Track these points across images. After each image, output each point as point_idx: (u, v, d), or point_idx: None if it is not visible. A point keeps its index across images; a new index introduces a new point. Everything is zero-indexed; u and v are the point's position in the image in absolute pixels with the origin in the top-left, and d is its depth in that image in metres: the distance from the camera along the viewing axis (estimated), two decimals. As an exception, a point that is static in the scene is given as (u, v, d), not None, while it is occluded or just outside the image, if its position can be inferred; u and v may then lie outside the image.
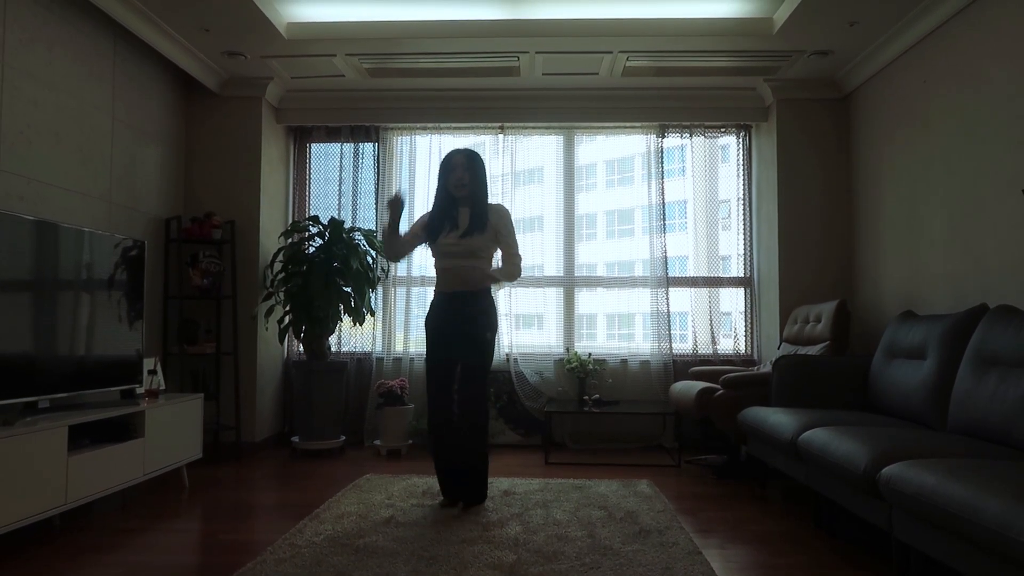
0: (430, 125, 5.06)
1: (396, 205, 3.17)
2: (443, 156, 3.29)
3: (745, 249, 5.09)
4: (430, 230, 3.24)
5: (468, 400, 3.13)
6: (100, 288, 3.36)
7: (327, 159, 5.24)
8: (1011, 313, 2.64)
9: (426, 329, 3.27)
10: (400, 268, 5.07)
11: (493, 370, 3.74)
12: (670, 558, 2.50)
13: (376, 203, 5.09)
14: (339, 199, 5.14)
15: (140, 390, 3.62)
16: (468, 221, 3.18)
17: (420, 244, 3.35)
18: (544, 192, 5.19)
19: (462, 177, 3.17)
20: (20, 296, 2.88)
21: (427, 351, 3.27)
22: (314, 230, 4.71)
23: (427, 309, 3.30)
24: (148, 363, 3.71)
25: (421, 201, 5.06)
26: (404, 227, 3.33)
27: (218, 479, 3.88)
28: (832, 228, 4.60)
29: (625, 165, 5.78)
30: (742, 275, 5.09)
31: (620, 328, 5.18)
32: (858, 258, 4.47)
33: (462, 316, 3.16)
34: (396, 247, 3.29)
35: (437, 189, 3.27)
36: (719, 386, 3.85)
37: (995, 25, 3.12)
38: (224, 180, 4.66)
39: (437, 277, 3.27)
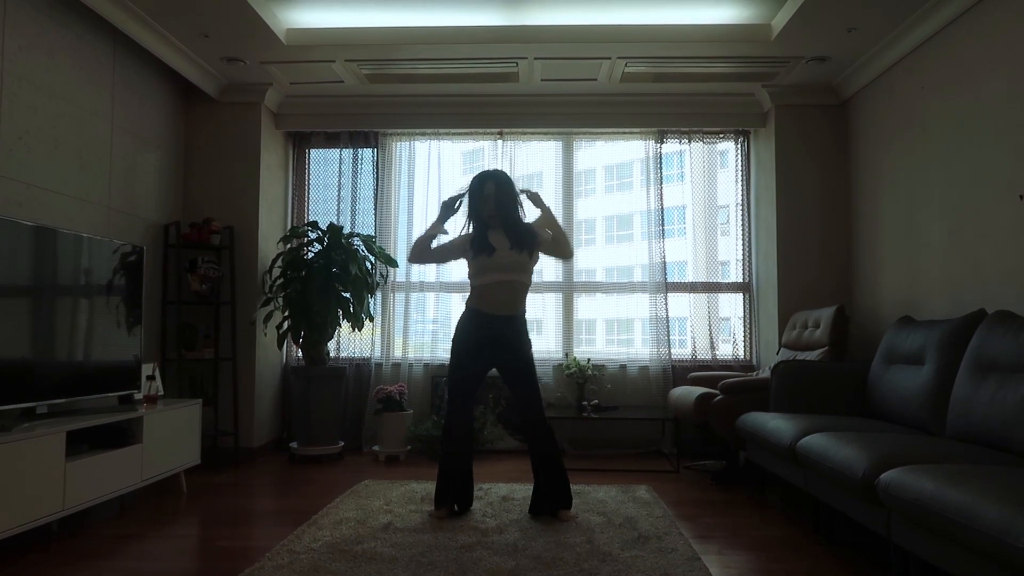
0: (429, 131, 5.07)
1: (450, 206, 3.32)
2: (472, 180, 3.30)
3: (744, 254, 5.10)
4: (476, 247, 3.22)
5: (532, 402, 3.18)
6: (99, 293, 3.36)
7: (326, 164, 5.25)
8: (1009, 318, 2.64)
9: (457, 343, 3.22)
10: (399, 274, 5.07)
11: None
12: (668, 564, 2.50)
13: (375, 208, 5.10)
14: (338, 204, 5.14)
15: (138, 395, 3.62)
16: (508, 239, 3.21)
17: (452, 260, 3.41)
18: (543, 197, 5.18)
19: (492, 209, 3.22)
20: (18, 302, 2.88)
21: (455, 363, 3.21)
22: (313, 235, 4.71)
23: (457, 323, 3.26)
24: (146, 368, 3.72)
25: (420, 203, 5.05)
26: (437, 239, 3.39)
27: (216, 485, 3.87)
28: (830, 233, 4.60)
29: (624, 170, 5.79)
30: (741, 280, 5.10)
31: (619, 333, 5.18)
32: (856, 263, 4.48)
33: (507, 339, 3.18)
34: (428, 252, 3.34)
35: (469, 211, 3.28)
36: (718, 391, 3.86)
37: (992, 31, 3.13)
38: (223, 185, 4.67)
39: (479, 293, 3.22)
